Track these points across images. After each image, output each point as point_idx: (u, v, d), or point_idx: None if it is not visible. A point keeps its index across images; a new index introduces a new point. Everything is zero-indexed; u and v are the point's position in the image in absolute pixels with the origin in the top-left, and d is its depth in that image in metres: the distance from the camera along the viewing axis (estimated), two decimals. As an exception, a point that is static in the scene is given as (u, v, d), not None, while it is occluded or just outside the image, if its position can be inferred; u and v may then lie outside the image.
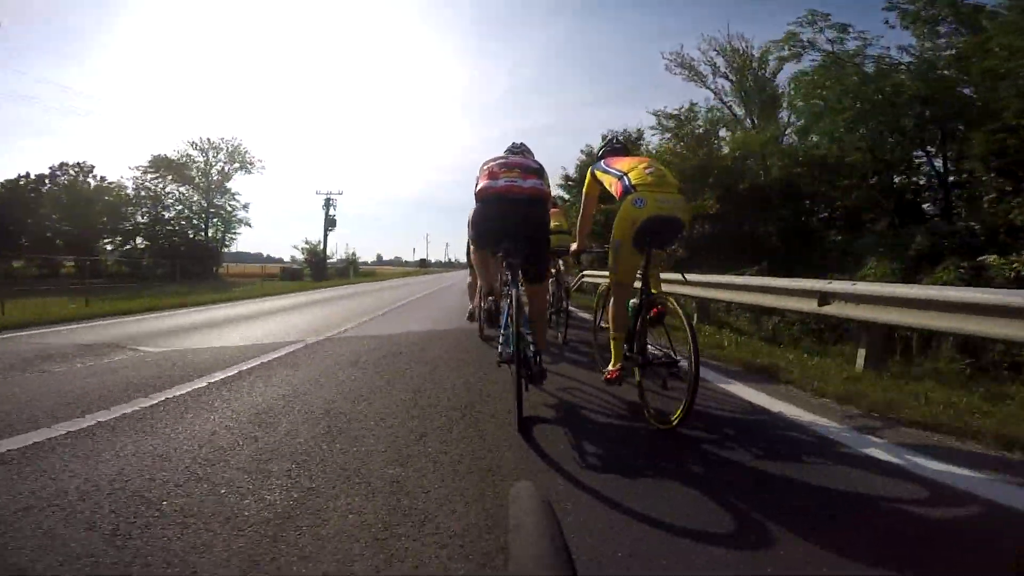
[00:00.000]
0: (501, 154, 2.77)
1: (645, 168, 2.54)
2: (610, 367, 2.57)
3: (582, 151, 22.59)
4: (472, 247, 2.76)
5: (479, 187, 2.50)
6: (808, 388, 2.98)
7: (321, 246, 36.62)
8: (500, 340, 2.50)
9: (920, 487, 1.66)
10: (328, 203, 37.14)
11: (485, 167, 2.59)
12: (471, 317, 5.07)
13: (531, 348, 2.37)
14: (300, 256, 37.78)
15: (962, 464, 1.85)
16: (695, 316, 5.51)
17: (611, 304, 2.62)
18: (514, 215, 2.44)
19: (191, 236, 33.86)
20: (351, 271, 34.29)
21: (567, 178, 23.48)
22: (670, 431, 2.17)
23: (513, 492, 0.53)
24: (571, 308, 8.19)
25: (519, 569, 0.38)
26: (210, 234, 35.24)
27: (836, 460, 1.94)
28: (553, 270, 5.08)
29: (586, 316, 7.71)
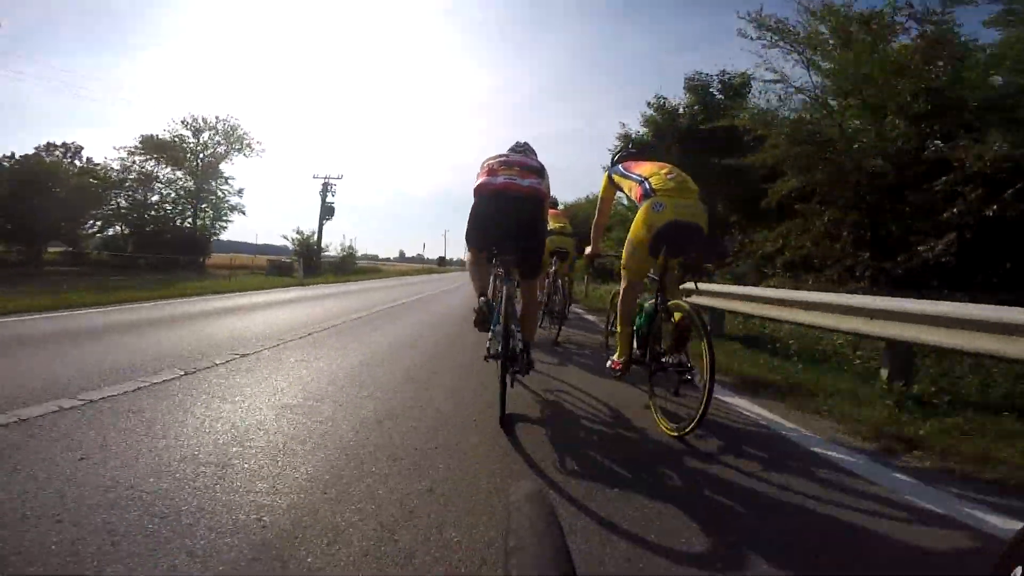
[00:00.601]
0: (504, 152, 2.91)
1: (667, 173, 2.70)
2: (615, 357, 2.81)
3: (650, 102, 15.94)
4: (466, 246, 2.81)
5: (477, 183, 2.66)
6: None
7: (316, 237, 33.49)
8: (490, 336, 2.59)
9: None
10: (326, 188, 34.57)
11: (485, 164, 2.74)
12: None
13: (519, 344, 2.47)
14: (291, 247, 33.62)
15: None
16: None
17: (620, 299, 2.80)
18: (511, 212, 2.56)
19: (178, 223, 34.04)
20: (303, 264, 26.28)
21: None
22: (664, 439, 2.28)
23: (513, 489, 0.55)
24: (577, 310, 8.42)
25: (518, 568, 0.39)
26: (199, 222, 35.01)
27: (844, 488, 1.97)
28: (552, 270, 5.48)
29: (592, 318, 7.89)
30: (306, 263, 29.87)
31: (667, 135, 14.43)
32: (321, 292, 12.53)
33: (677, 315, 2.52)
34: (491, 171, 2.66)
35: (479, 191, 2.63)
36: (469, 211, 2.69)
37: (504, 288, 2.49)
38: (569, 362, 4.20)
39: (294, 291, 12.51)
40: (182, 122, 34.69)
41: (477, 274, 2.80)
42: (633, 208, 2.83)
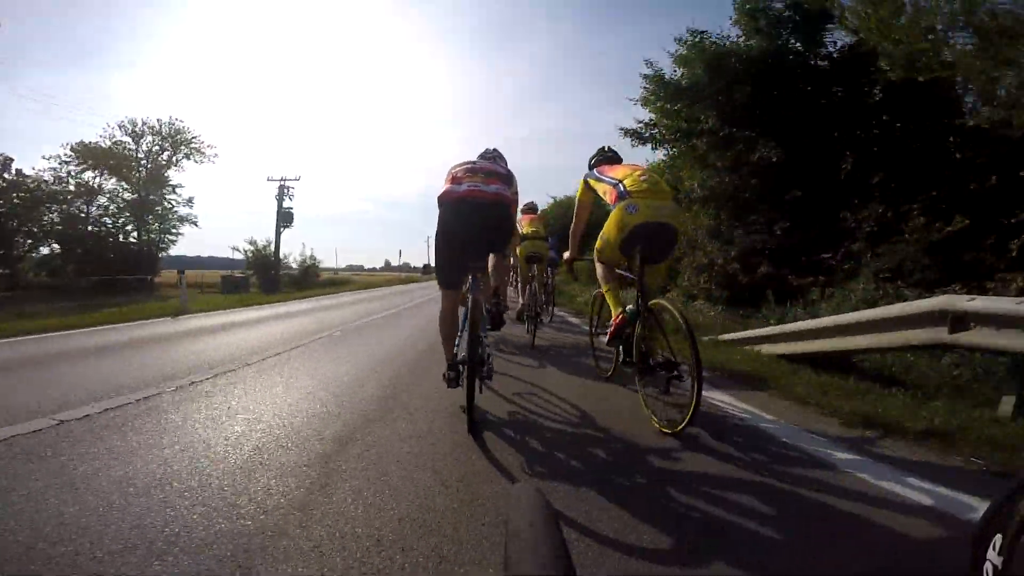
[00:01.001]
0: (472, 159, 3.08)
1: (640, 176, 2.92)
2: (612, 319, 2.94)
3: (682, 39, 10.45)
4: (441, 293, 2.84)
5: (441, 192, 2.76)
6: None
7: (272, 247, 31.00)
8: (456, 343, 2.71)
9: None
10: (282, 192, 31.74)
11: (451, 172, 2.87)
12: None
13: (487, 351, 2.61)
14: (242, 257, 31.28)
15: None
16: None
17: (599, 274, 3.06)
18: (476, 219, 2.68)
19: (120, 239, 32.81)
20: (231, 283, 25.41)
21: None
22: (636, 438, 2.45)
23: (513, 491, 0.59)
24: (560, 313, 8.60)
25: (517, 568, 0.42)
26: (145, 236, 33.71)
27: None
28: (531, 275, 5.88)
29: (575, 320, 8.02)
30: (264, 278, 28.28)
31: (726, 73, 9.60)
32: (201, 325, 7.78)
33: (661, 317, 2.68)
34: (455, 179, 2.78)
35: (443, 200, 2.73)
36: (436, 223, 2.76)
37: (471, 296, 2.61)
38: (549, 364, 4.36)
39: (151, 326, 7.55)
40: (119, 126, 33.60)
41: (448, 324, 2.79)
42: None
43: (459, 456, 2.19)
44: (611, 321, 2.94)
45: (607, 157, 3.41)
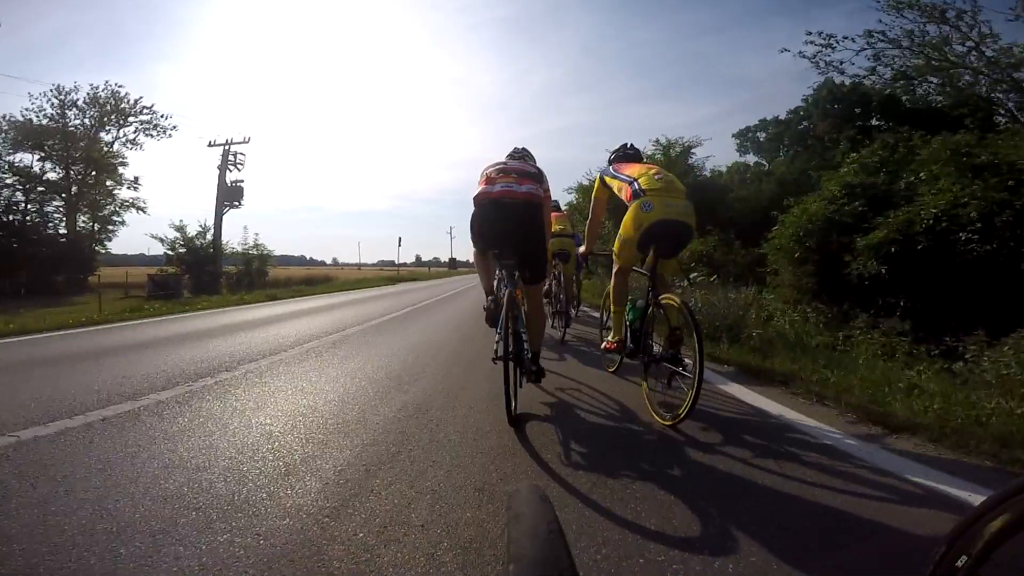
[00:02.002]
0: (502, 159, 3.50)
1: (655, 174, 3.28)
2: (609, 338, 3.47)
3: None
4: (473, 249, 3.37)
5: (476, 192, 3.16)
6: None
7: (213, 235, 25.81)
8: (496, 339, 3.03)
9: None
10: (226, 159, 26.47)
11: (484, 173, 3.28)
12: None
13: (525, 347, 3.02)
14: (168, 249, 25.48)
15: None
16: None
17: (612, 283, 3.43)
18: (509, 219, 3.07)
19: (50, 230, 29.50)
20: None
21: None
22: (665, 430, 2.78)
23: (512, 490, 0.63)
24: (585, 308, 9.06)
25: (517, 568, 0.44)
26: (78, 227, 30.76)
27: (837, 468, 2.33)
28: (556, 271, 6.57)
29: (596, 315, 8.29)
30: (198, 275, 23.91)
31: None
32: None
33: (670, 312, 3.04)
34: (489, 180, 3.17)
35: (478, 200, 3.12)
36: (470, 220, 3.17)
37: (506, 292, 2.97)
38: (575, 358, 4.87)
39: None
40: (42, 95, 31.84)
41: (484, 272, 3.34)
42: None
43: (500, 448, 2.50)
44: (611, 336, 3.39)
45: (626, 154, 3.77)
